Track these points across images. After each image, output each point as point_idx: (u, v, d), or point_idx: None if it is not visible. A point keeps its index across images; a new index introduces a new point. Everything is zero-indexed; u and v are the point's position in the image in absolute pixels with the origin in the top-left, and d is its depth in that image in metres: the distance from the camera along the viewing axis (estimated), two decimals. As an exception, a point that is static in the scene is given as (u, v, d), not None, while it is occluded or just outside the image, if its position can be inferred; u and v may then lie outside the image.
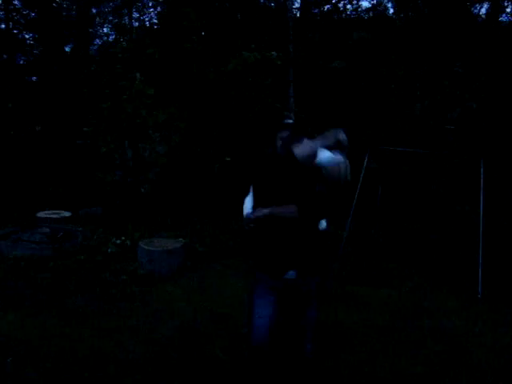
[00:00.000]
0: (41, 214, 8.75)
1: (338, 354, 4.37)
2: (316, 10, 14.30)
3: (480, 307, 5.89)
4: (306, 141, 3.26)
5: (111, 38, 16.23)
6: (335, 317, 5.18)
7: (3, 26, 15.57)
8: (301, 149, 3.24)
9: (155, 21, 14.11)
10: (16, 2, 15.73)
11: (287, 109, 10.43)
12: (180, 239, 7.10)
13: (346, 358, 4.33)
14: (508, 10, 10.37)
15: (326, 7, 14.77)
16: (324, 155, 3.18)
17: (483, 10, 11.78)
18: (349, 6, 14.88)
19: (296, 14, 12.86)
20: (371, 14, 13.08)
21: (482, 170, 6.63)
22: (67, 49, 16.18)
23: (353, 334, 4.84)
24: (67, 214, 8.87)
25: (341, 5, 14.67)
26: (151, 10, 16.42)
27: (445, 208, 8.77)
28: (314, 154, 3.18)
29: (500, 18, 10.16)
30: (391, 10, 13.52)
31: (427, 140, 8.88)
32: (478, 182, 6.65)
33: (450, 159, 8.50)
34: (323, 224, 3.61)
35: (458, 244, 7.63)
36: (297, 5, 14.10)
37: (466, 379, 4.04)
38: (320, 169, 3.22)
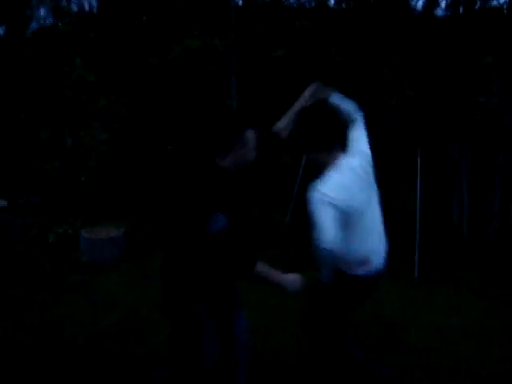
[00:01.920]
0: (-24, 204, 8.49)
1: (280, 337, 4.49)
2: (258, -2, 14.34)
3: (417, 290, 6.18)
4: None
5: (49, 21, 15.71)
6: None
7: None
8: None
9: (94, 4, 13.79)
10: None
11: (229, 96, 10.46)
12: (122, 227, 7.07)
13: (288, 342, 4.45)
14: (442, 5, 10.78)
15: (268, -5, 14.82)
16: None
17: (420, 3, 12.13)
18: (291, -5, 14.99)
19: (239, 2, 12.86)
20: (313, 4, 13.25)
21: (418, 158, 6.93)
22: (1, 31, 15.56)
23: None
24: (4, 203, 8.64)
25: (283, -7, 14.76)
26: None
27: (383, 194, 9.05)
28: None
29: (436, 12, 10.55)
30: (332, 0, 13.76)
31: (367, 127, 9.14)
32: (415, 170, 6.95)
33: (389, 147, 8.78)
34: None
35: (396, 230, 7.92)
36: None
37: (403, 360, 4.24)
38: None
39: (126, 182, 9.40)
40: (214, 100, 9.58)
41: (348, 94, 3.45)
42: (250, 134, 2.86)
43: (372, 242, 3.18)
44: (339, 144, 3.18)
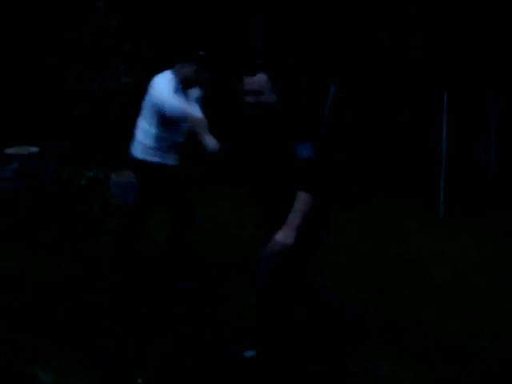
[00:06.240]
0: (8, 151, 8.66)
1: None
2: None
3: (442, 228, 6.26)
4: None
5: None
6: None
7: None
8: None
9: None
10: None
11: (253, 36, 10.31)
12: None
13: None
14: None
15: None
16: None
17: None
18: None
19: None
20: None
21: (445, 96, 6.84)
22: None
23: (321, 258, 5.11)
24: (35, 149, 8.81)
25: None
26: None
27: (409, 134, 8.97)
28: None
29: None
30: None
31: (392, 67, 8.97)
32: (441, 109, 6.88)
33: (414, 86, 8.65)
34: None
35: (421, 168, 7.90)
36: None
37: (426, 295, 4.37)
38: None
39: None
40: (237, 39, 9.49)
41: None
42: None
43: None
44: None
